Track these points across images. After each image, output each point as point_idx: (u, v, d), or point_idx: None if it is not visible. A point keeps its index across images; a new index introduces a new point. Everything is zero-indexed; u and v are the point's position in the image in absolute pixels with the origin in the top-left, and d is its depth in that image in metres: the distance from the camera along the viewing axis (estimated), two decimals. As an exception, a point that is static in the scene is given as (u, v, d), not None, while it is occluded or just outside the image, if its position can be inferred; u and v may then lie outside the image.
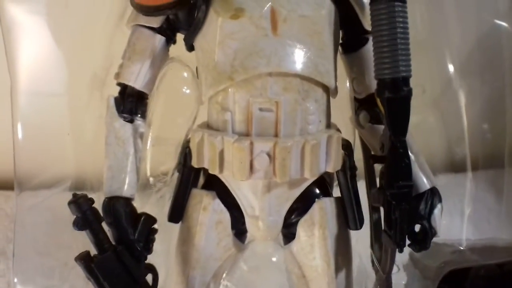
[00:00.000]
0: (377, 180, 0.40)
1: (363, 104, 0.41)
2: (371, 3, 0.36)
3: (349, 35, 0.40)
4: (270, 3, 0.35)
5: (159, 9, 0.36)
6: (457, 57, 0.58)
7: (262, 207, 0.38)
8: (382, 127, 0.38)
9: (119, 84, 0.39)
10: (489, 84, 0.60)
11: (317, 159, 0.36)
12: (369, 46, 0.39)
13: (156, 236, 0.39)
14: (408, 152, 0.37)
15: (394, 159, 0.37)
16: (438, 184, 0.40)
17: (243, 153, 0.35)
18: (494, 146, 0.60)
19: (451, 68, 0.57)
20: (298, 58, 0.35)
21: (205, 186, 0.39)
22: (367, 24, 0.38)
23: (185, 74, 0.42)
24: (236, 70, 0.35)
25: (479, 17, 0.59)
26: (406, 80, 0.36)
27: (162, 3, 0.36)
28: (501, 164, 0.59)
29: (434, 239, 0.40)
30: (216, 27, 0.35)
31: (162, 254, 0.42)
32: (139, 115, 0.39)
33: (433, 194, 0.40)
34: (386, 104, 0.36)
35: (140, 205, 0.38)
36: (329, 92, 0.38)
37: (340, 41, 0.40)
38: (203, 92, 0.37)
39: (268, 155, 0.35)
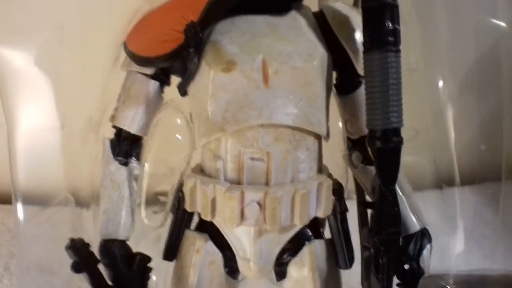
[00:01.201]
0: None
1: (356, 145, 0.41)
2: (364, 52, 0.36)
3: (342, 78, 0.40)
4: (261, 56, 0.35)
5: (150, 61, 0.36)
6: (454, 77, 0.59)
7: (253, 250, 0.39)
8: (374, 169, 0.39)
9: (114, 126, 0.40)
10: (487, 102, 0.60)
11: (307, 207, 0.37)
12: (362, 89, 0.39)
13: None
14: (397, 200, 0.37)
15: (383, 207, 0.37)
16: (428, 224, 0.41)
17: (233, 202, 0.36)
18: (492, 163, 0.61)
19: (444, 95, 0.58)
20: (289, 110, 0.36)
21: (199, 227, 0.40)
22: (360, 69, 0.38)
23: (179, 121, 0.42)
24: (228, 122, 0.35)
25: (478, 38, 0.59)
26: (397, 131, 0.36)
27: (154, 56, 0.36)
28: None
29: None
30: (208, 79, 0.35)
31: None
32: (134, 157, 0.40)
33: (423, 235, 0.41)
34: (377, 154, 0.36)
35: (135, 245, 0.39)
36: (321, 138, 0.38)
37: (334, 82, 0.40)
38: (196, 139, 0.38)
39: (259, 204, 0.36)
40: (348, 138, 0.42)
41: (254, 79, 0.35)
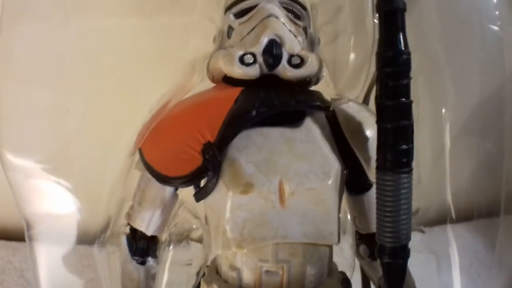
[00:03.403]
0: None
1: (363, 238, 0.43)
2: (377, 171, 0.37)
3: (353, 178, 0.41)
4: (278, 177, 0.36)
5: (168, 181, 0.37)
6: (457, 117, 0.60)
7: None
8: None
9: (130, 225, 0.41)
10: (488, 139, 0.61)
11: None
12: (373, 191, 0.40)
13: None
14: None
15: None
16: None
17: (250, 310, 0.38)
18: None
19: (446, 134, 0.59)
20: (304, 228, 0.37)
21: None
22: (372, 176, 0.39)
23: (194, 226, 0.43)
24: (245, 239, 0.37)
25: (484, 81, 0.59)
26: (405, 247, 0.38)
27: (172, 176, 0.37)
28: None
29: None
30: (226, 198, 0.36)
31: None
32: (151, 255, 0.41)
33: None
34: (385, 267, 0.38)
35: None
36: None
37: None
38: (212, 246, 0.39)
39: (274, 312, 0.38)
40: (356, 231, 0.43)
41: (271, 200, 0.36)
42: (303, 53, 0.38)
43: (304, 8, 0.41)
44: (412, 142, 0.37)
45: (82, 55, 0.46)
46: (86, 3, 0.49)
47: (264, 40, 0.37)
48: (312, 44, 0.41)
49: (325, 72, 0.40)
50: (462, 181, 0.62)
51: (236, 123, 0.36)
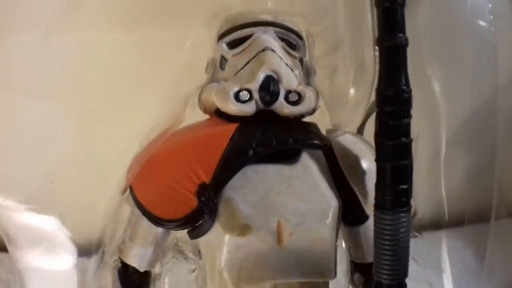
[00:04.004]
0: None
1: (358, 267, 0.43)
2: (375, 209, 0.36)
3: (349, 210, 0.40)
4: (276, 218, 0.35)
5: (161, 223, 0.36)
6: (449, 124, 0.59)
7: None
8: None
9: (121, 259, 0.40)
10: (480, 144, 0.61)
11: None
12: (369, 223, 0.40)
13: None
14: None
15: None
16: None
17: None
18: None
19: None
20: (302, 266, 0.36)
21: None
22: (370, 211, 0.38)
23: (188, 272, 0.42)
24: (243, 279, 0.36)
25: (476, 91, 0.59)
26: (402, 283, 0.37)
27: (166, 219, 0.35)
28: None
29: None
30: (222, 241, 0.35)
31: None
32: (144, 289, 0.40)
33: None
34: (382, 302, 0.38)
35: None
36: None
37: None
38: (208, 284, 0.38)
39: None
40: (351, 260, 0.43)
41: (269, 240, 0.35)
42: (301, 88, 0.37)
43: (300, 37, 0.39)
44: (411, 181, 0.37)
45: (66, 76, 0.44)
46: (67, 18, 0.46)
47: (261, 76, 0.35)
48: (308, 74, 0.39)
49: (320, 103, 0.39)
50: (453, 187, 0.62)
51: (232, 163, 0.35)
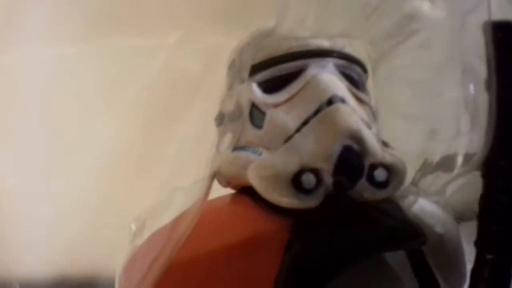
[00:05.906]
0: None
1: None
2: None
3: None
4: None
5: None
6: None
7: None
8: None
9: None
10: None
11: None
12: None
13: None
14: None
15: None
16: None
17: None
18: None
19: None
20: None
21: None
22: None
23: None
24: None
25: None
26: None
27: None
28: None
29: None
30: None
31: None
32: None
33: None
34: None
35: None
36: None
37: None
38: None
39: None
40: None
41: None
42: (389, 160, 0.23)
43: (365, 70, 0.26)
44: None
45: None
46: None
47: (336, 149, 0.22)
48: (375, 120, 0.26)
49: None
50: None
51: None
